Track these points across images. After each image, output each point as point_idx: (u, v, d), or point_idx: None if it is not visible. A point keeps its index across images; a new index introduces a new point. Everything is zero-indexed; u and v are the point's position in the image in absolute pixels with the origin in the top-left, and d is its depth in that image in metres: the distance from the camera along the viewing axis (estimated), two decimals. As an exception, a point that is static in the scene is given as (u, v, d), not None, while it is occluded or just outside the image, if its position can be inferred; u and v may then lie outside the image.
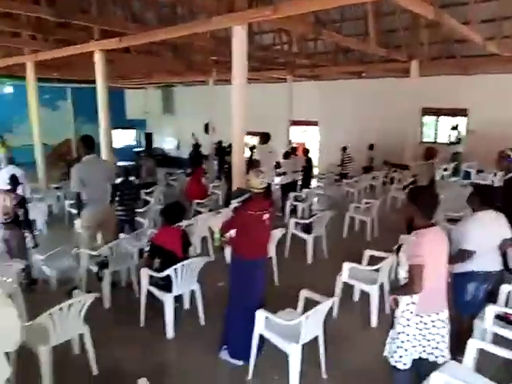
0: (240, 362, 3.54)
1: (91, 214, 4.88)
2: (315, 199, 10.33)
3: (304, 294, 3.62)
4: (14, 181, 5.23)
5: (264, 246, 3.61)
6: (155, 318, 4.11)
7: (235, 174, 5.73)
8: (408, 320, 2.63)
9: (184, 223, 5.69)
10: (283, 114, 12.99)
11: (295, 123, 14.94)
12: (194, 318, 4.23)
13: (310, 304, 3.44)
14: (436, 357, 2.68)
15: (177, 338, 3.97)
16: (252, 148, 8.56)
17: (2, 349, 1.82)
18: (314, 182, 11.84)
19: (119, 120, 17.83)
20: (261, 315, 3.25)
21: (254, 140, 14.80)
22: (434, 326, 2.64)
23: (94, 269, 4.68)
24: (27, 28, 6.75)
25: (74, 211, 6.76)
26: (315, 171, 13.65)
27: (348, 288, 4.51)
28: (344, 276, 4.32)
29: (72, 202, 7.22)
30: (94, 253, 4.67)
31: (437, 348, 2.66)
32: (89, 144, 4.93)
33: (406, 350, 2.66)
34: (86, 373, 3.38)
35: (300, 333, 3.06)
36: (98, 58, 7.41)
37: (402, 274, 2.67)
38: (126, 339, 3.98)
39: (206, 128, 14.44)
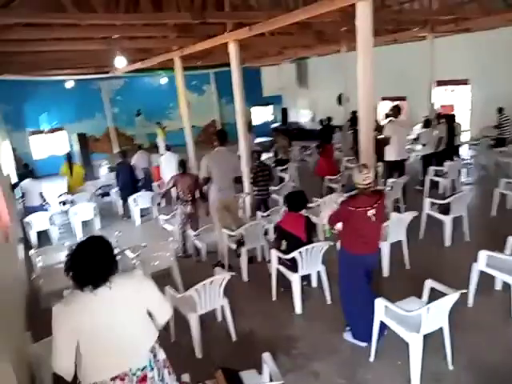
0: (363, 344, 3.67)
1: (217, 200, 5.50)
2: (464, 170, 9.40)
3: (429, 284, 3.51)
4: (182, 165, 6.23)
5: (370, 242, 3.54)
6: (286, 293, 4.53)
7: (363, 148, 5.33)
8: None
9: (312, 204, 5.95)
10: (425, 74, 11.78)
11: (440, 83, 13.54)
12: (321, 297, 4.49)
13: (437, 293, 3.32)
14: None
15: (304, 314, 4.30)
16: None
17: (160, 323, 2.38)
18: (463, 151, 10.71)
19: (257, 98, 18.78)
20: (380, 303, 3.31)
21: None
22: None
23: (233, 246, 5.31)
24: (173, 31, 7.67)
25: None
26: (467, 136, 12.28)
27: (489, 276, 4.14)
28: (480, 265, 4.00)
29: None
30: (232, 233, 5.29)
31: None
32: (222, 138, 5.49)
33: None
34: (227, 338, 3.97)
35: (421, 323, 3.04)
36: (231, 48, 8.01)
37: None
38: (260, 311, 4.48)
39: (340, 99, 14.16)
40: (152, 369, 2.22)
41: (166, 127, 15.58)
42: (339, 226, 3.56)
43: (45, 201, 8.33)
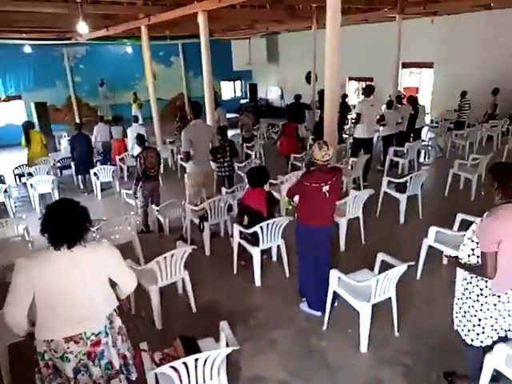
0: (318, 313, 3.86)
1: (196, 174, 5.52)
2: (422, 152, 9.76)
3: (380, 257, 3.72)
4: (141, 139, 6.03)
5: (324, 216, 3.66)
6: (247, 267, 4.65)
7: (327, 127, 5.41)
8: (486, 303, 2.52)
9: (276, 181, 6.05)
10: (391, 56, 11.92)
11: (406, 66, 13.82)
12: (280, 270, 4.64)
13: (388, 265, 3.50)
14: None
15: (263, 286, 4.45)
16: (344, 96, 8.26)
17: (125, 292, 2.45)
18: (424, 133, 11.04)
19: (227, 72, 18.39)
20: (334, 275, 3.48)
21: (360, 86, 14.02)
22: (509, 302, 2.56)
23: (197, 221, 5.35)
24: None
25: (185, 165, 7.56)
26: (427, 119, 12.64)
27: (438, 251, 4.40)
28: (430, 240, 4.25)
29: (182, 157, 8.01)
30: (195, 208, 5.32)
31: None
32: (197, 110, 5.48)
33: (483, 328, 2.58)
34: (188, 310, 4.05)
35: (371, 293, 3.23)
36: (200, 19, 7.81)
37: (466, 254, 2.54)
38: (221, 284, 4.58)
39: (308, 77, 14.18)
40: (107, 335, 2.27)
41: (137, 99, 15.55)
42: (296, 198, 3.69)
43: None
